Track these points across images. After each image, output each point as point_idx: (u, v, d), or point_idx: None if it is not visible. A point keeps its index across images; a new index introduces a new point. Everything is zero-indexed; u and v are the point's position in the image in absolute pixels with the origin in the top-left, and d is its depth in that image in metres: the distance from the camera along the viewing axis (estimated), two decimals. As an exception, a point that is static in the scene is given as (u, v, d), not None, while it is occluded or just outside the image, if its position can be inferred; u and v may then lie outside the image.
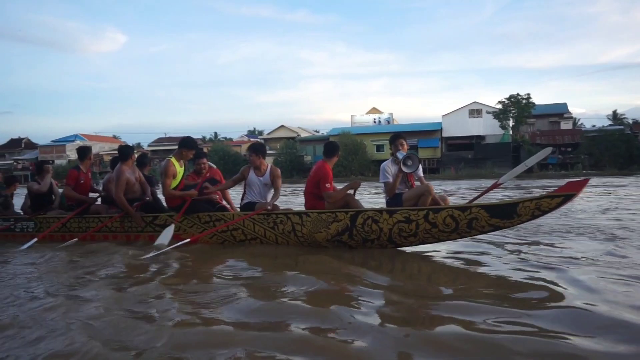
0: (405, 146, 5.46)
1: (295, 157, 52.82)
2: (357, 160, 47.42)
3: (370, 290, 3.62)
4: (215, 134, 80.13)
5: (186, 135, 6.10)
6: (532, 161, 5.09)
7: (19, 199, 8.21)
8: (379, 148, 52.50)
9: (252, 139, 71.56)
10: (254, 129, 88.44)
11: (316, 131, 69.70)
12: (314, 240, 5.31)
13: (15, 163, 66.98)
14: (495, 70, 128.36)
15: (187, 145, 5.94)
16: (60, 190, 7.37)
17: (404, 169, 5.11)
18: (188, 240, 5.53)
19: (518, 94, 45.84)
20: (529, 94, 45.66)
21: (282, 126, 63.70)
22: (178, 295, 3.70)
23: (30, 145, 75.35)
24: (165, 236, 5.61)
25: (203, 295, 3.63)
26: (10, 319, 3.19)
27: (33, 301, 3.64)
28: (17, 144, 76.78)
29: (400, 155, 5.25)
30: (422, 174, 5.49)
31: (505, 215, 4.56)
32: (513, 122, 47.31)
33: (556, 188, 4.38)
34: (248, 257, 5.04)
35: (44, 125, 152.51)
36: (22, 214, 7.43)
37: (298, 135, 61.21)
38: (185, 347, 2.59)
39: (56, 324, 3.04)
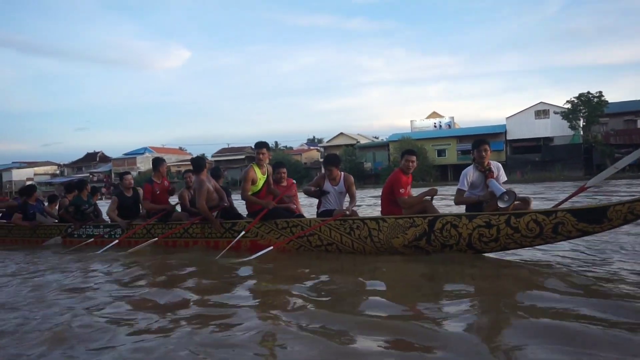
0: (489, 152, 5.30)
1: (354, 164, 52.76)
2: (418, 165, 46.76)
3: (452, 301, 3.59)
4: (276, 143, 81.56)
5: (248, 145, 6.37)
6: (623, 162, 4.80)
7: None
8: (440, 153, 51.56)
9: (311, 147, 72.38)
10: (314, 137, 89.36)
11: (375, 137, 69.43)
12: (390, 245, 5.31)
13: (90, 175, 71.20)
14: (563, 69, 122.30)
15: (255, 146, 6.19)
16: None
17: (500, 204, 4.84)
18: (271, 248, 5.68)
19: (588, 92, 43.66)
20: (600, 92, 43.43)
21: (341, 133, 63.88)
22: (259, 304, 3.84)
23: (104, 158, 79.95)
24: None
25: (276, 307, 3.67)
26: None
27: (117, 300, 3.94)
28: (92, 158, 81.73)
29: (495, 187, 5.06)
30: (504, 179, 5.36)
31: (594, 219, 4.36)
32: (584, 122, 45.01)
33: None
34: (323, 267, 5.14)
35: (116, 139, 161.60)
36: (109, 222, 7.92)
37: (357, 142, 61.16)
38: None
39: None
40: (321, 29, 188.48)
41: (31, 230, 8.47)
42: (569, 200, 5.15)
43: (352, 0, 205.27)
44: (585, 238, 5.16)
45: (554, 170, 42.69)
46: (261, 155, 6.13)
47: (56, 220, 8.71)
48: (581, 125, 45.30)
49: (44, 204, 9.13)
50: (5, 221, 9.12)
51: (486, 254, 5.09)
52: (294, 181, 6.87)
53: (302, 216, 6.21)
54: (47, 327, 3.29)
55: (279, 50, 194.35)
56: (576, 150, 45.20)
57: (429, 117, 61.34)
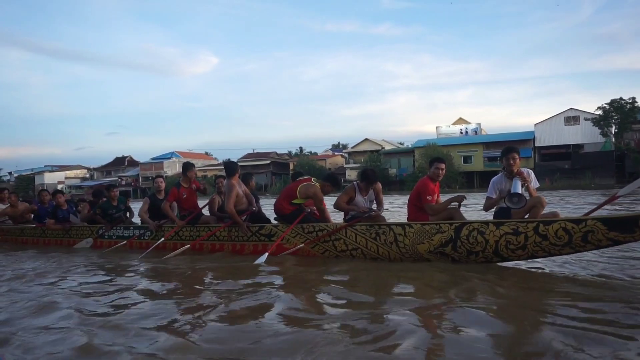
0: (518, 160, 5.18)
1: (379, 170, 52.51)
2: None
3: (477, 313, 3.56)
4: (301, 148, 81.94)
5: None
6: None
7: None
8: (467, 159, 50.93)
9: (336, 153, 72.43)
10: (338, 142, 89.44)
11: (400, 143, 69.01)
12: (415, 251, 5.30)
13: (119, 179, 72.68)
14: (594, 74, 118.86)
15: (334, 182, 6.22)
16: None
17: (508, 203, 4.84)
18: (302, 245, 5.87)
19: (621, 98, 42.66)
20: (633, 98, 42.45)
21: (366, 139, 63.75)
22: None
23: (132, 162, 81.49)
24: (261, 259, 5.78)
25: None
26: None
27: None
28: (121, 162, 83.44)
29: (514, 184, 5.02)
30: (536, 185, 5.28)
31: (626, 228, 4.28)
32: (616, 128, 43.96)
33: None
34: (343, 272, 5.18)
35: (144, 143, 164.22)
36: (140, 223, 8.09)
37: (382, 148, 60.94)
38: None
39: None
40: (348, 34, 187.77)
41: (63, 231, 8.72)
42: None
43: (379, 6, 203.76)
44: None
45: (584, 178, 41.71)
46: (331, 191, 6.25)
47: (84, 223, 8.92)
48: (613, 132, 44.26)
49: (75, 207, 9.38)
50: (35, 224, 9.42)
51: (512, 263, 5.03)
52: None
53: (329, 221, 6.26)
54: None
55: (306, 56, 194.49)
56: (608, 158, 44.10)
57: (455, 123, 60.74)
